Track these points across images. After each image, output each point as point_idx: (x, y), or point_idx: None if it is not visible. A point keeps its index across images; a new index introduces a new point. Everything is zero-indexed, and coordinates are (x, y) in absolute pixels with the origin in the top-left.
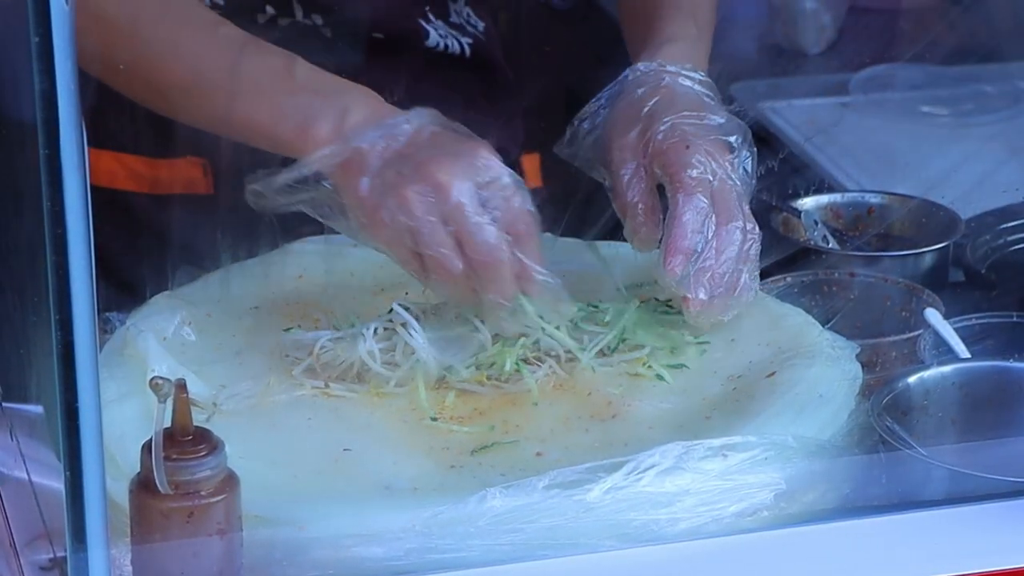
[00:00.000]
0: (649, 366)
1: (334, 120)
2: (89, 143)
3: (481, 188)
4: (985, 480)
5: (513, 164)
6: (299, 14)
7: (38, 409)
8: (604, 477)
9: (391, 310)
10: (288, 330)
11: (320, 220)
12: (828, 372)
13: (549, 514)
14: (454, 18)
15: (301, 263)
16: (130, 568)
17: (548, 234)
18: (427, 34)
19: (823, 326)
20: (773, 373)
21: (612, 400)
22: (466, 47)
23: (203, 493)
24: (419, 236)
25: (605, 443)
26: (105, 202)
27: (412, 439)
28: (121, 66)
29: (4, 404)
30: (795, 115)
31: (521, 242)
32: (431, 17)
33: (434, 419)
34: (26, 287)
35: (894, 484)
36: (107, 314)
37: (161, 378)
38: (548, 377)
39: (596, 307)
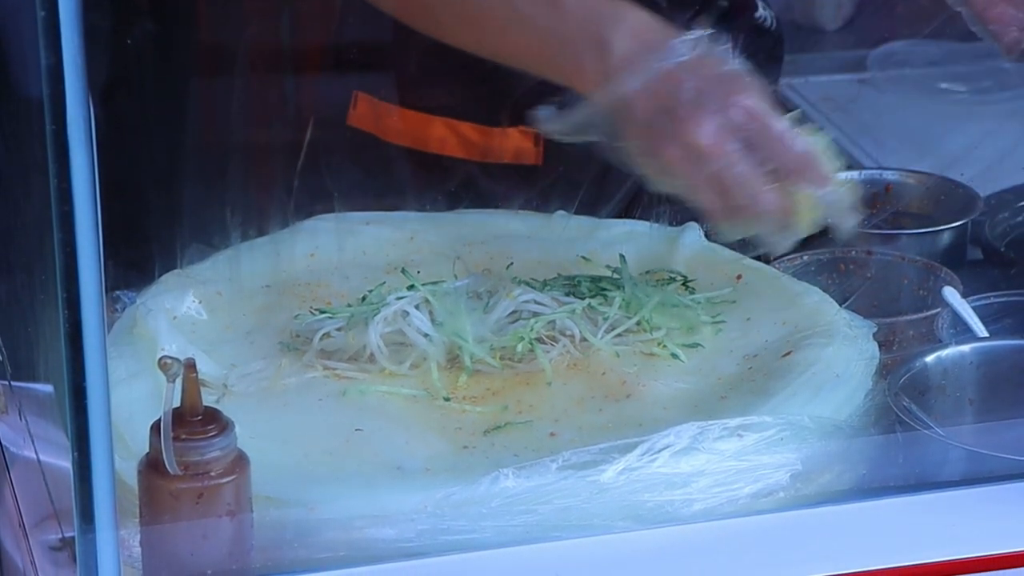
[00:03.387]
0: (664, 346)
1: (598, 59)
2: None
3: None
4: (1003, 460)
5: None
6: None
7: (48, 388)
8: (618, 458)
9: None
10: (297, 316)
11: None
12: (845, 351)
13: (562, 495)
14: None
15: (313, 241)
16: (139, 549)
17: (561, 212)
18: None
19: (840, 305)
20: (789, 352)
21: (626, 380)
22: (773, 20)
23: (213, 474)
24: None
25: (619, 423)
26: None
27: (424, 419)
28: None
29: (13, 383)
30: (812, 92)
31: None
32: None
33: (447, 399)
34: (34, 266)
35: (911, 464)
36: (117, 292)
37: (170, 358)
38: (562, 357)
39: (606, 290)
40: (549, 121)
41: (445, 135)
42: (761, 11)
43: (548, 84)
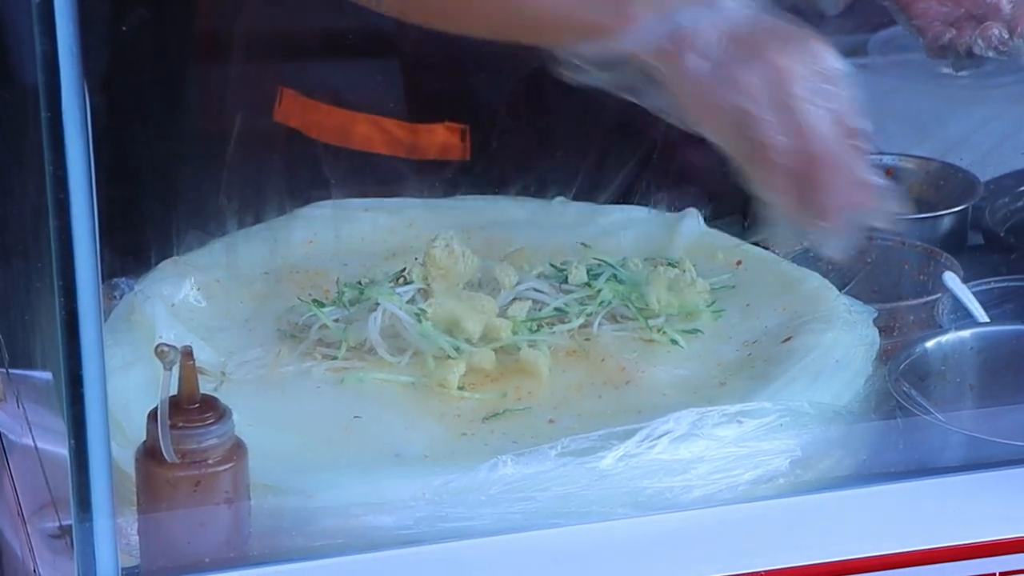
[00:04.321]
0: (663, 331)
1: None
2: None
3: (814, 77)
4: (1003, 446)
5: None
6: None
7: (46, 375)
8: (617, 444)
9: (402, 271)
10: (293, 307)
11: (630, 98)
12: (845, 337)
13: (562, 482)
14: None
15: (311, 228)
16: (136, 538)
17: (560, 197)
18: None
19: (840, 290)
20: (789, 338)
21: (626, 366)
22: None
23: (210, 462)
24: (752, 119)
25: (618, 410)
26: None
27: (422, 406)
28: None
29: (11, 371)
30: None
31: (851, 139)
32: None
33: (461, 388)
34: (31, 253)
35: (911, 450)
36: (115, 280)
37: (167, 345)
38: (561, 344)
39: (596, 277)
40: (577, 63)
41: (370, 132)
42: None
43: (477, 78)
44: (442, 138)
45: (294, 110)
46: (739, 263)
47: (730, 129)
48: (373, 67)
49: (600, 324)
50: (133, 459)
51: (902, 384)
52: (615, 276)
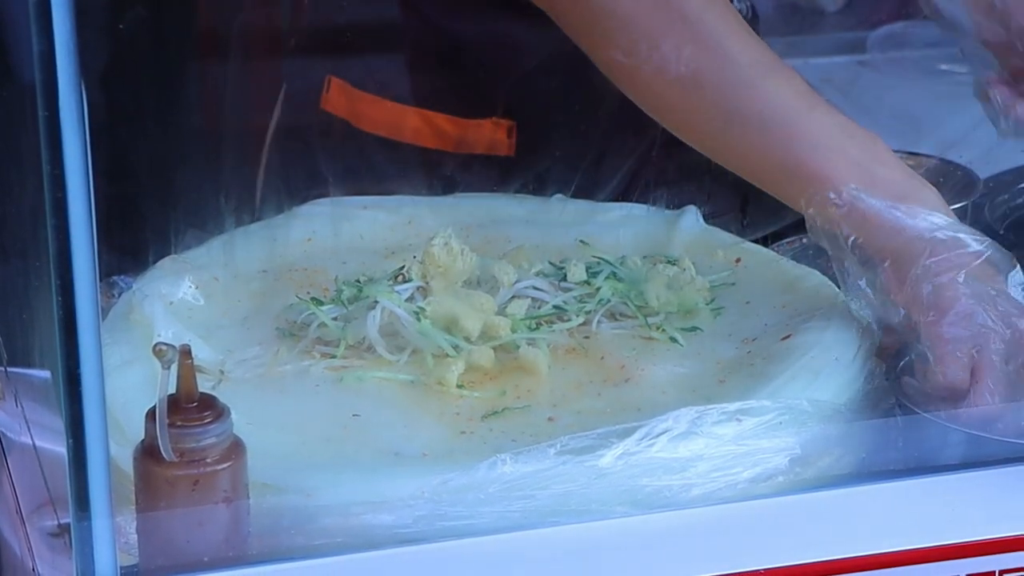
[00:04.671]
0: (663, 329)
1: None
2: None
3: None
4: (1004, 444)
5: None
6: None
7: (44, 374)
8: (616, 442)
9: (400, 269)
10: (292, 305)
11: (843, 272)
12: (844, 335)
13: (561, 480)
14: None
15: (309, 226)
16: (135, 536)
17: (559, 195)
18: None
19: (839, 288)
20: (788, 336)
21: (625, 364)
22: (749, 10)
23: (209, 460)
24: (987, 342)
25: (618, 408)
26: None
27: (422, 405)
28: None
29: (9, 369)
30: (812, 74)
31: None
32: None
33: (461, 386)
34: (29, 252)
35: (911, 448)
36: (113, 278)
37: (165, 344)
38: (560, 341)
39: (595, 275)
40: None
41: (419, 125)
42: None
43: (528, 76)
44: (490, 133)
45: (342, 100)
46: (738, 261)
47: (953, 345)
48: (402, 58)
49: (599, 322)
50: (131, 458)
51: (902, 382)
52: (614, 274)
